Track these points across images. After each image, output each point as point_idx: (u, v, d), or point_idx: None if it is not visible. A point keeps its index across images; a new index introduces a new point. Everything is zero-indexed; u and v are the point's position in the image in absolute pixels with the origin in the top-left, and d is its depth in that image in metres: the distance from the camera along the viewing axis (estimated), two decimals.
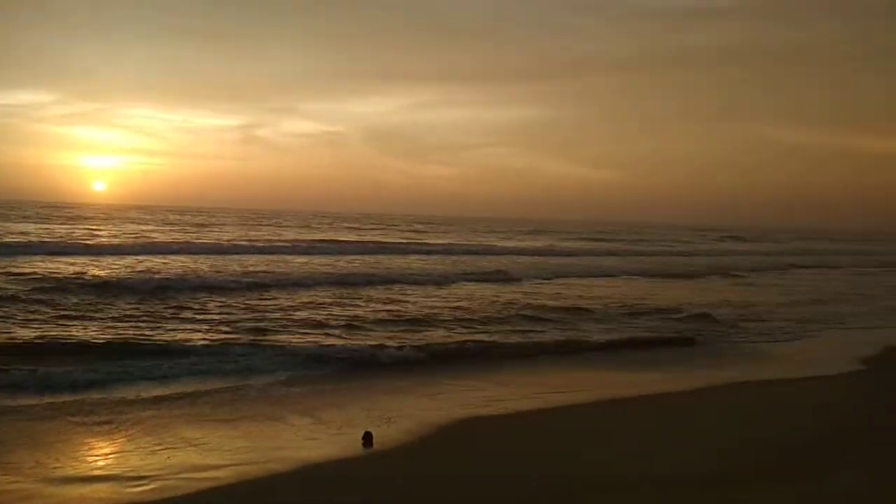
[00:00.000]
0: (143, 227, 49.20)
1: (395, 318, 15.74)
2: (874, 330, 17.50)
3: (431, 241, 47.82)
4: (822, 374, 11.97)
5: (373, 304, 17.79)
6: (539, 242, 55.50)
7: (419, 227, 78.71)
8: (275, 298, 18.07)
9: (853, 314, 20.62)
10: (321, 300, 18.12)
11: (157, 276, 20.26)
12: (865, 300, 24.38)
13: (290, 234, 49.35)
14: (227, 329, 13.43)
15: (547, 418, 8.89)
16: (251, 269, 24.33)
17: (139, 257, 26.78)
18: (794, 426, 8.59)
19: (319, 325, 14.48)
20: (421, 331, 14.47)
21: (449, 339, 13.68)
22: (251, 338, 12.68)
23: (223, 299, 17.32)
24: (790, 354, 14.25)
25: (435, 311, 17.17)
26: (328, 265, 27.37)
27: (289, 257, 30.49)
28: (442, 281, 24.18)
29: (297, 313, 15.84)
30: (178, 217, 72.15)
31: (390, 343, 12.81)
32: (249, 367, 10.78)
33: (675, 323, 17.16)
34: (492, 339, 13.99)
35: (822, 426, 8.54)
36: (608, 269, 32.34)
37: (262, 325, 14.05)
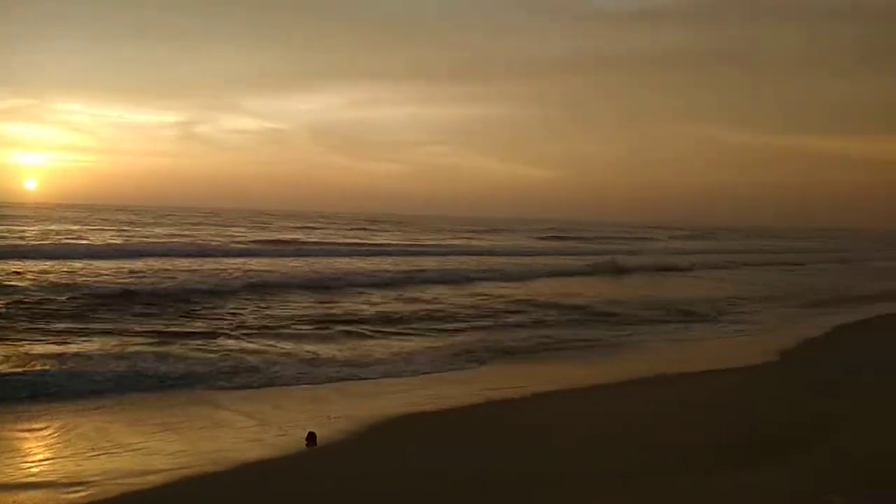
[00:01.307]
0: (71, 228, 47.55)
1: (326, 319, 15.69)
2: (796, 324, 18.02)
3: (379, 242, 47.86)
4: (745, 366, 12.32)
5: (299, 307, 17.70)
6: (487, 242, 56.05)
7: (366, 225, 78.49)
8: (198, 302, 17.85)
9: (777, 308, 21.35)
10: (254, 305, 17.97)
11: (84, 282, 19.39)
12: (791, 296, 25.15)
13: (214, 233, 48.52)
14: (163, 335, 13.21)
15: (484, 414, 9.01)
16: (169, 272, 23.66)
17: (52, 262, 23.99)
18: (720, 418, 8.84)
19: (265, 328, 14.38)
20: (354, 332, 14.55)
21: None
22: (191, 342, 12.52)
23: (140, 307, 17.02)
24: (717, 347, 14.75)
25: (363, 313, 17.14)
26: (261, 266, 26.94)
27: (227, 259, 28.94)
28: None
29: (244, 318, 15.66)
30: (107, 217, 70.50)
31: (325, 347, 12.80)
32: (190, 372, 10.62)
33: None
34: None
35: (748, 418, 8.80)
36: (546, 269, 32.00)
37: (200, 329, 13.86)
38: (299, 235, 50.37)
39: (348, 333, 14.21)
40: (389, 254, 37.22)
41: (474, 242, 53.10)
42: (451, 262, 32.39)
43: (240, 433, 7.84)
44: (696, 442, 7.70)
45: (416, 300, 19.41)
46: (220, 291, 18.75)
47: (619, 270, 32.80)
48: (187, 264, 25.09)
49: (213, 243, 38.28)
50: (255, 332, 13.82)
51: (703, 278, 31.91)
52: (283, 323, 14.96)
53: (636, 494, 6.05)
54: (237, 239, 43.32)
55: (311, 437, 7.53)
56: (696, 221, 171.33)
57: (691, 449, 7.41)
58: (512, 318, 17.16)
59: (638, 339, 15.32)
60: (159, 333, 13.15)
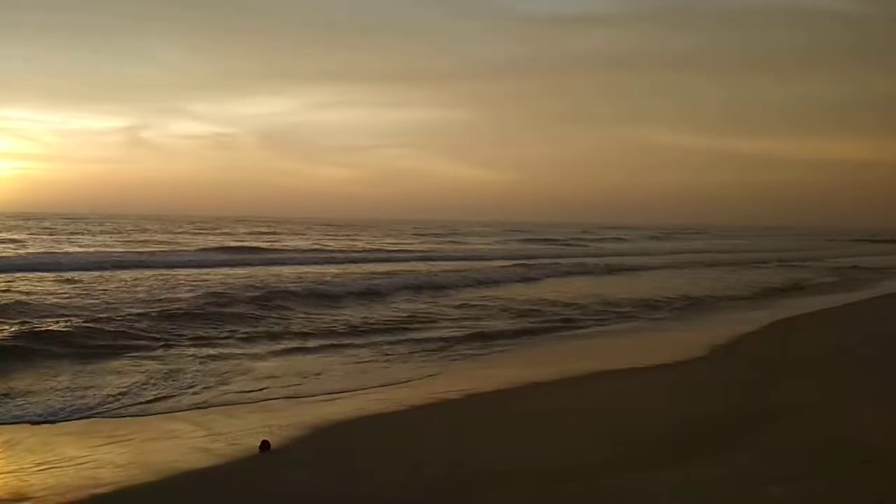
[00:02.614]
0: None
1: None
2: (733, 320, 18.49)
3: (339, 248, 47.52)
4: (683, 361, 12.67)
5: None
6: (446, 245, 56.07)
7: (323, 230, 78.02)
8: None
9: (715, 305, 21.94)
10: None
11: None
12: (731, 293, 25.76)
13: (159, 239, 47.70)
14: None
15: (431, 415, 9.10)
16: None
17: None
18: (660, 413, 9.04)
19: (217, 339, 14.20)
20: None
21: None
22: (135, 354, 12.35)
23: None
24: (648, 343, 15.12)
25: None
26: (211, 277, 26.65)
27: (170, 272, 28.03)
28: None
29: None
30: (49, 225, 69.06)
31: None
32: (133, 385, 10.43)
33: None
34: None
35: (688, 412, 9.01)
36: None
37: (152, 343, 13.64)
38: (261, 243, 49.94)
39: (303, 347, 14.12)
40: (361, 260, 37.00)
41: (451, 246, 53.34)
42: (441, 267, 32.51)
43: (190, 443, 7.77)
44: (638, 438, 7.88)
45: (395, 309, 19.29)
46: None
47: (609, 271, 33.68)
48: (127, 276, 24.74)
49: (159, 252, 37.69)
50: (210, 342, 13.69)
51: (662, 276, 32.51)
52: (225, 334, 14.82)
53: (578, 492, 6.17)
54: (185, 247, 42.78)
55: (265, 445, 7.51)
56: (645, 222, 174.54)
57: (633, 445, 7.58)
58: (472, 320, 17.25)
59: (582, 336, 15.66)
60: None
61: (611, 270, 35.27)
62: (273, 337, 14.35)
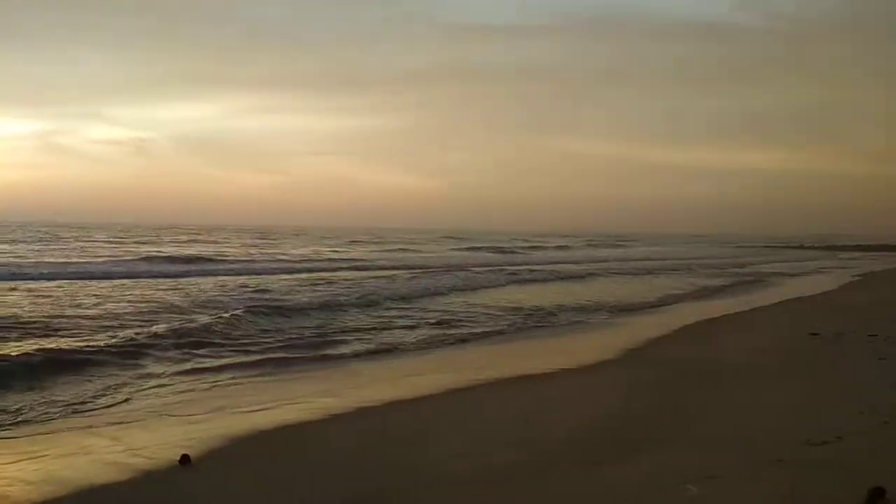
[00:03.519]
0: None
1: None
2: (648, 324, 19.04)
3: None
4: (596, 364, 13.05)
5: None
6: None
7: (253, 239, 76.62)
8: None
9: (632, 309, 22.57)
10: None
11: None
12: (647, 297, 26.48)
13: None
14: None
15: (346, 425, 9.07)
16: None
17: None
18: (580, 415, 9.22)
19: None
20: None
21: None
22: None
23: None
24: (568, 346, 15.49)
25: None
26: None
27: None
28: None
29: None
30: None
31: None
32: (56, 399, 10.08)
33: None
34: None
35: (608, 413, 9.24)
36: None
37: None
38: (191, 252, 48.87)
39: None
40: (307, 270, 36.39)
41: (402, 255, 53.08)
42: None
43: (107, 458, 7.54)
44: (557, 440, 8.03)
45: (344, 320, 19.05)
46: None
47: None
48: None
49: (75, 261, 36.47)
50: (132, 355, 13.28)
51: (590, 284, 33.14)
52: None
53: (502, 497, 6.26)
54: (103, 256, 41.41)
55: (185, 459, 7.35)
56: (568, 229, 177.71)
57: (552, 448, 7.72)
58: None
59: (504, 341, 15.93)
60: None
61: (560, 277, 35.86)
62: (194, 346, 14.07)
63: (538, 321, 19.25)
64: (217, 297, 22.03)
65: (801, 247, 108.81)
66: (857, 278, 38.66)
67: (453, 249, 68.67)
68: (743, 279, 37.67)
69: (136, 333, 14.83)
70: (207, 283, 27.55)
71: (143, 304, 19.87)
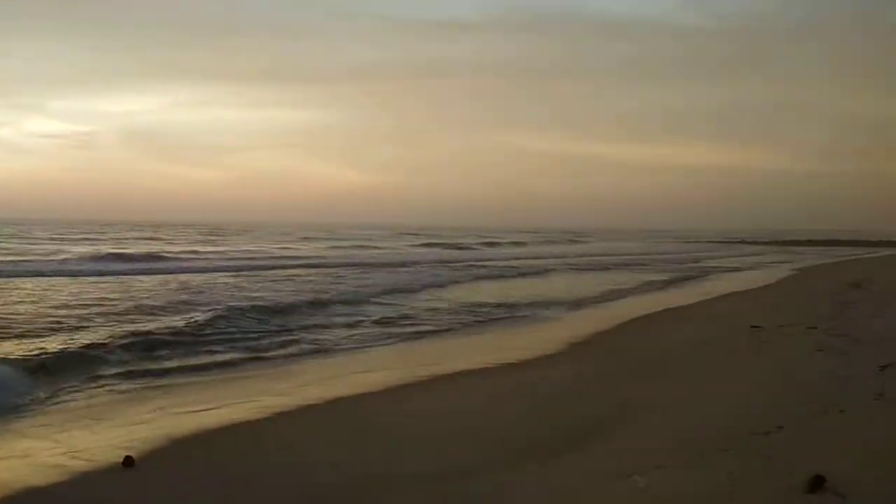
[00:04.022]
0: None
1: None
2: (594, 318, 19.35)
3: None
4: (544, 356, 13.22)
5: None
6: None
7: (198, 236, 75.21)
8: None
9: (578, 303, 22.89)
10: None
11: None
12: (595, 291, 26.90)
13: None
14: None
15: (293, 423, 9.02)
16: None
17: None
18: (528, 410, 9.30)
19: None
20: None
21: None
22: None
23: None
24: (514, 341, 15.64)
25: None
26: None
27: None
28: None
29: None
30: None
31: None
32: None
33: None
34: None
35: (547, 410, 9.32)
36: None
37: None
38: (136, 249, 47.26)
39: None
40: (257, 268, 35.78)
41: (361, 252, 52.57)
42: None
43: (48, 460, 7.35)
44: (507, 435, 8.08)
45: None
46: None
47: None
48: None
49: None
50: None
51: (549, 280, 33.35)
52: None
53: (457, 492, 6.27)
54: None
55: (128, 460, 7.19)
56: (521, 225, 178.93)
57: (503, 443, 7.77)
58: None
59: (449, 336, 16.02)
60: None
61: (518, 274, 35.99)
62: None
63: (488, 316, 19.36)
64: (162, 297, 21.62)
65: (754, 242, 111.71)
66: (795, 272, 39.69)
67: (414, 246, 68.63)
68: (689, 274, 38.41)
69: (77, 334, 14.49)
70: (152, 281, 27.02)
71: (85, 304, 19.38)
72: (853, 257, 58.88)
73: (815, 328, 13.68)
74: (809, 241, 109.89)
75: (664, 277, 35.20)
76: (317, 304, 20.56)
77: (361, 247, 62.50)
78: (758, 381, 9.97)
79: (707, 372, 11.16)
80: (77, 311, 17.87)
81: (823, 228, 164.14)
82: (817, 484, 5.23)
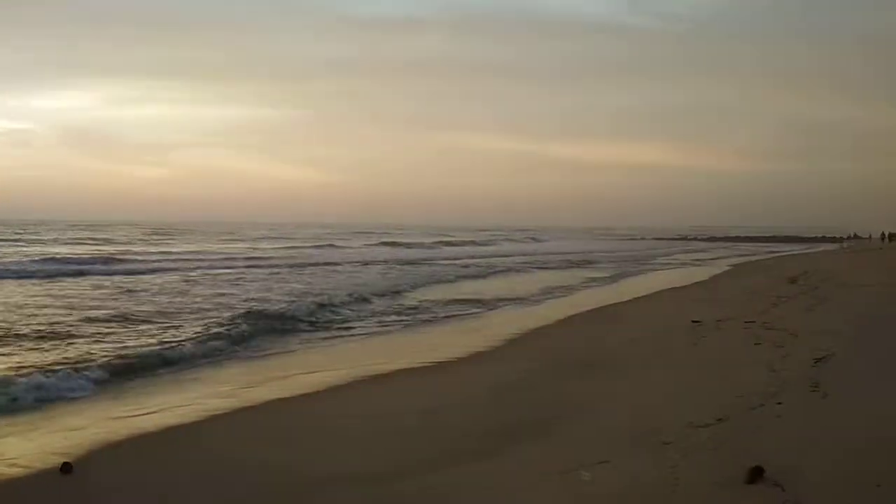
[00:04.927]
0: None
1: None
2: (528, 316, 19.57)
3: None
4: (481, 355, 13.30)
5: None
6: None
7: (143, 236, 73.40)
8: None
9: (520, 300, 23.16)
10: None
11: None
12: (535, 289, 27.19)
13: None
14: None
15: (235, 423, 8.93)
16: None
17: None
18: (465, 410, 9.29)
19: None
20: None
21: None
22: None
23: None
24: (453, 339, 15.64)
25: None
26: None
27: None
28: None
29: None
30: None
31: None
32: None
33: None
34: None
35: (490, 407, 9.35)
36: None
37: None
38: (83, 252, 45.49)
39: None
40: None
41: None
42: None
43: None
44: (452, 434, 8.09)
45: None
46: None
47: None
48: None
49: None
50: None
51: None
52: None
53: (402, 492, 6.25)
54: None
55: (66, 467, 6.99)
56: (467, 223, 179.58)
57: (448, 442, 7.77)
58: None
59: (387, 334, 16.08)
60: None
61: (468, 275, 35.78)
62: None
63: (430, 316, 19.34)
64: (99, 300, 21.09)
65: (697, 238, 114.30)
66: (734, 268, 40.66)
67: (370, 245, 68.19)
68: (631, 270, 39.05)
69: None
70: (85, 284, 26.22)
71: (21, 309, 18.76)
72: (790, 253, 60.54)
73: (753, 322, 14.04)
74: (749, 237, 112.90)
75: (606, 274, 35.68)
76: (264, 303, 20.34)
77: (331, 246, 62.03)
78: (698, 374, 10.18)
79: (648, 366, 11.32)
80: (9, 315, 17.27)
81: (766, 226, 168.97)
82: (756, 474, 5.37)
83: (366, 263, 41.04)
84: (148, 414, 9.27)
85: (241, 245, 61.72)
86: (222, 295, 22.77)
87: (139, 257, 41.78)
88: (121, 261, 38.26)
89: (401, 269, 36.33)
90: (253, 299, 21.39)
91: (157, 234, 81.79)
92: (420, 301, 22.20)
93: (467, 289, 26.84)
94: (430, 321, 18.56)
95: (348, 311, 19.43)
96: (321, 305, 19.57)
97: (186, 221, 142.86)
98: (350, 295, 22.20)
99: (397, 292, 24.56)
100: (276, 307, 19.15)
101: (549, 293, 25.86)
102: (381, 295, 23.36)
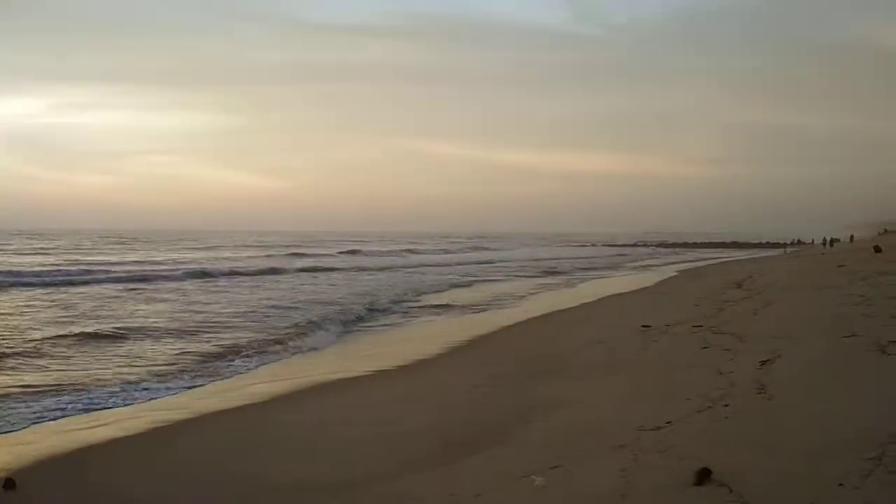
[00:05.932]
0: None
1: None
2: (481, 322, 19.74)
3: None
4: (436, 360, 13.42)
5: None
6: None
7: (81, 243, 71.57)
8: None
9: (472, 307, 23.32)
10: None
11: None
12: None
13: None
14: None
15: (188, 433, 8.87)
16: None
17: None
18: (422, 415, 9.36)
19: None
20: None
21: None
22: None
23: None
24: (410, 345, 15.79)
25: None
26: None
27: None
28: None
29: None
30: None
31: None
32: None
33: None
34: None
35: (446, 413, 9.43)
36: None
37: None
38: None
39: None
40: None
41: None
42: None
43: None
44: (410, 441, 8.11)
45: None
46: None
47: None
48: None
49: None
50: None
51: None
52: None
53: (364, 498, 6.24)
54: None
55: (9, 483, 6.80)
56: (422, 230, 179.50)
57: (406, 449, 7.79)
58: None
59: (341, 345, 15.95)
60: None
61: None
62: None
63: (389, 320, 19.37)
64: (33, 312, 20.59)
65: (646, 244, 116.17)
66: (681, 273, 41.39)
67: (342, 253, 67.57)
68: (581, 277, 39.52)
69: None
70: (20, 296, 25.52)
71: None
72: (735, 258, 61.87)
73: (701, 326, 14.26)
74: (697, 243, 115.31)
75: (557, 281, 36.01)
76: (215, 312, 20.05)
77: (301, 255, 61.30)
78: (648, 378, 10.32)
79: (600, 371, 11.45)
80: None
81: (712, 231, 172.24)
82: (704, 476, 5.47)
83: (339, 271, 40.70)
84: (94, 427, 9.07)
85: (198, 254, 60.72)
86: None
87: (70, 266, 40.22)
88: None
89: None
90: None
91: (98, 243, 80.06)
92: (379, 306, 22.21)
93: (430, 297, 26.85)
94: (387, 326, 18.59)
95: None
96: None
97: (135, 230, 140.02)
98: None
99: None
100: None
101: (503, 300, 26.05)
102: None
